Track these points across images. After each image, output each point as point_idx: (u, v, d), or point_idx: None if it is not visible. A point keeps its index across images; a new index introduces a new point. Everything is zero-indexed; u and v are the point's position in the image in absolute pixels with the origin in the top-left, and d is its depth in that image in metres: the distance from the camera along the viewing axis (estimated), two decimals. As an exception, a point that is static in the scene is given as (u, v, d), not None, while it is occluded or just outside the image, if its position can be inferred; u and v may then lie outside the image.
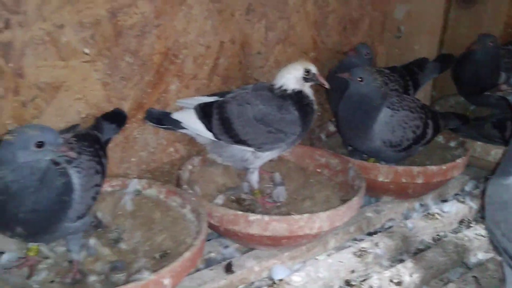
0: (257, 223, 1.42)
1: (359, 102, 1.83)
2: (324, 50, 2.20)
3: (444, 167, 1.85)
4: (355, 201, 1.56)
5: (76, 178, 1.19)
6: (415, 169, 1.82)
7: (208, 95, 1.76)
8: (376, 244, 1.68)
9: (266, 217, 1.42)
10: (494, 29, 2.77)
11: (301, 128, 1.67)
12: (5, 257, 1.31)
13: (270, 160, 1.88)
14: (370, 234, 1.81)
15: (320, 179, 1.91)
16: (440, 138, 2.18)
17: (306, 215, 1.44)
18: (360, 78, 1.80)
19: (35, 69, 1.43)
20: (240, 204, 1.79)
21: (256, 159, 1.71)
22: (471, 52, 2.30)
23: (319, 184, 1.88)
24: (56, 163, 1.15)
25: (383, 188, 1.89)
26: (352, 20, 2.26)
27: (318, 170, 1.94)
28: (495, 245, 1.35)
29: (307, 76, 1.66)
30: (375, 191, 1.95)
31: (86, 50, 1.51)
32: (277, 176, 1.92)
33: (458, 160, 1.90)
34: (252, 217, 1.42)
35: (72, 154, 1.13)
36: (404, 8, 2.35)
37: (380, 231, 1.81)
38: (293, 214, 1.51)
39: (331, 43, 2.21)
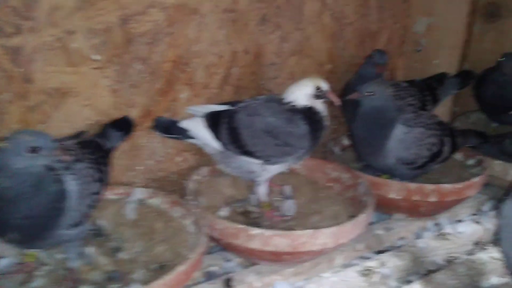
0: (258, 238, 1.39)
1: (372, 117, 1.79)
2: (340, 63, 2.16)
3: (458, 185, 1.79)
4: (362, 218, 1.52)
5: (71, 185, 1.18)
6: (428, 187, 1.77)
7: (219, 104, 1.74)
8: (384, 264, 1.63)
9: (268, 232, 1.39)
10: (520, 44, 2.70)
11: (310, 143, 1.64)
12: (2, 262, 1.31)
13: (281, 173, 1.85)
14: (379, 252, 1.76)
15: (330, 194, 1.87)
16: (458, 156, 2.11)
17: (309, 231, 1.40)
18: (371, 92, 1.76)
19: (44, 75, 1.44)
20: (247, 216, 1.76)
21: (263, 172, 1.68)
22: (495, 70, 2.23)
23: (329, 199, 1.84)
24: (51, 169, 1.15)
25: (394, 205, 1.84)
26: (371, 33, 2.22)
27: (329, 184, 1.90)
28: (511, 268, 1.29)
29: (318, 93, 1.63)
30: (386, 208, 1.90)
31: (96, 57, 1.51)
32: (287, 189, 1.89)
33: (474, 179, 1.83)
34: (253, 231, 1.39)
35: (67, 157, 1.12)
36: (425, 21, 2.30)
37: (389, 250, 1.76)
38: (296, 229, 1.48)
39: (348, 56, 2.18)
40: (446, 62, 2.32)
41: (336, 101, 1.66)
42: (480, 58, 2.54)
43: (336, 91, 2.09)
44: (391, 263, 1.63)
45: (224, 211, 1.66)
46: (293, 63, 2.00)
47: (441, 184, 1.78)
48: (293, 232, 1.41)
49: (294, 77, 1.97)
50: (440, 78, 2.24)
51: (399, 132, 1.78)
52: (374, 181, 1.81)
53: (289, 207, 1.82)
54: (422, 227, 1.90)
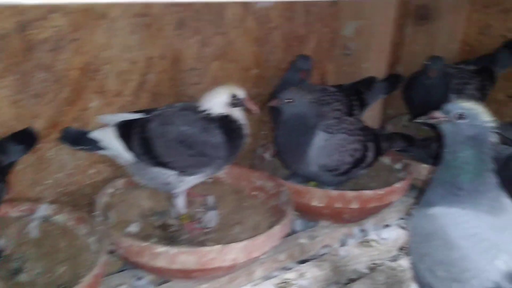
0: (164, 256, 1.32)
1: (292, 124, 1.76)
2: (268, 68, 2.12)
3: (380, 192, 1.77)
4: (276, 230, 1.48)
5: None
6: (350, 193, 1.74)
7: (133, 112, 1.66)
8: (303, 275, 1.59)
9: (173, 250, 1.33)
10: (451, 46, 2.73)
11: (227, 152, 1.58)
12: None
13: (204, 182, 1.79)
14: (302, 262, 1.72)
15: (254, 203, 1.82)
16: (386, 160, 2.11)
17: (217, 247, 1.35)
18: (290, 98, 1.72)
19: None
20: (165, 230, 1.70)
21: (180, 183, 1.61)
22: (422, 73, 2.24)
23: (252, 209, 1.80)
24: None
25: (318, 213, 1.81)
26: (298, 37, 2.18)
27: (254, 193, 1.85)
28: (420, 281, 1.27)
29: (234, 101, 1.57)
30: (311, 216, 1.87)
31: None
32: (210, 200, 1.83)
33: (397, 185, 1.82)
34: (158, 249, 1.32)
35: None
36: (354, 25, 2.28)
37: (312, 259, 1.72)
38: (209, 244, 1.43)
39: (276, 60, 2.13)
40: (375, 66, 2.30)
41: (254, 109, 1.62)
42: (412, 61, 2.55)
43: (265, 96, 2.06)
44: (310, 273, 1.60)
45: (134, 227, 1.59)
46: (216, 68, 1.94)
47: (362, 191, 1.76)
48: (201, 248, 1.36)
49: (218, 82, 1.90)
50: (368, 82, 2.23)
51: (320, 139, 1.76)
52: (297, 189, 1.77)
53: (210, 218, 1.77)
54: (347, 233, 1.88)
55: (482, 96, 2.37)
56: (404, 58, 2.70)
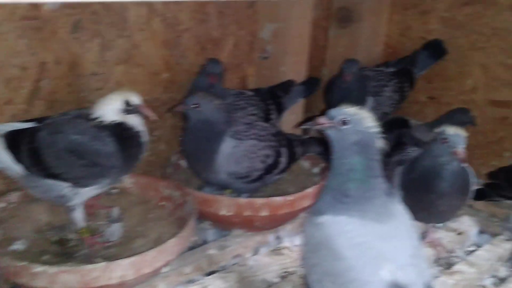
0: (43, 276, 1.23)
1: (199, 131, 1.70)
2: (180, 71, 2.04)
3: (290, 198, 1.73)
4: (170, 244, 1.40)
5: None
6: (258, 201, 1.69)
7: (25, 121, 1.56)
8: (205, 288, 1.52)
9: (52, 269, 1.23)
10: (374, 48, 2.73)
11: (122, 162, 1.50)
12: None
13: (109, 193, 1.71)
14: (209, 274, 1.65)
15: (161, 214, 1.75)
16: (305, 164, 2.08)
17: (101, 264, 1.26)
18: (196, 104, 1.66)
19: None
20: (63, 245, 1.60)
21: (75, 195, 1.52)
22: (339, 76, 2.22)
23: (158, 220, 1.72)
24: None
25: (229, 222, 1.75)
26: (212, 40, 2.12)
27: (162, 203, 1.78)
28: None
29: (128, 108, 1.49)
30: (223, 225, 1.81)
31: None
32: (115, 212, 1.75)
33: (308, 190, 1.78)
34: (36, 269, 1.23)
35: None
36: (271, 27, 2.23)
37: (220, 271, 1.66)
38: (96, 260, 1.34)
39: (188, 63, 2.06)
40: (294, 69, 2.27)
41: (151, 115, 1.54)
42: (336, 63, 2.53)
43: (177, 101, 1.99)
44: (214, 286, 1.53)
45: (20, 244, 1.48)
46: (120, 72, 1.85)
47: (271, 198, 1.71)
48: (83, 266, 1.27)
49: (123, 87, 1.83)
50: (286, 86, 2.19)
51: (227, 145, 1.70)
52: (205, 199, 1.71)
53: (113, 231, 1.68)
54: (262, 241, 1.82)
55: (401, 98, 2.38)
56: (328, 60, 2.69)
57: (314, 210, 1.20)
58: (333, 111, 1.15)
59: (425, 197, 1.59)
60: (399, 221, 1.16)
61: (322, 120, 1.16)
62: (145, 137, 1.56)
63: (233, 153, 1.70)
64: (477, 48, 2.33)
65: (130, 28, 1.83)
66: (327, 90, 2.31)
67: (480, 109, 2.36)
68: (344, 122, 1.12)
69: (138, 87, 1.87)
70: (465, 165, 1.49)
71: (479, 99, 2.37)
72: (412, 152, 1.77)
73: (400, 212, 1.18)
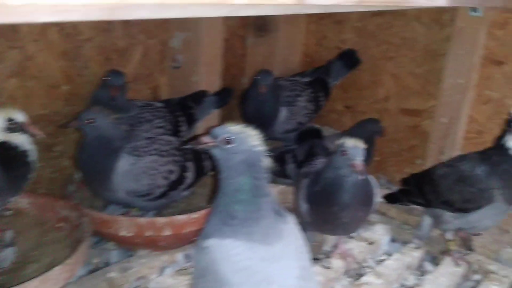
0: None
1: (95, 147, 1.61)
2: (82, 83, 1.94)
3: (194, 215, 1.66)
4: (55, 272, 1.31)
5: None
6: (160, 220, 1.62)
7: None
8: (98, 316, 1.43)
9: None
10: (292, 58, 2.72)
11: (7, 183, 1.39)
12: None
13: (2, 216, 1.58)
14: (108, 299, 1.57)
15: (58, 236, 1.64)
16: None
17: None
18: (91, 119, 1.57)
19: None
20: None
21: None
22: (253, 87, 2.18)
23: (54, 243, 1.61)
24: None
25: (131, 242, 1.67)
26: (118, 50, 2.03)
27: (59, 224, 1.66)
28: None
29: (11, 126, 1.39)
30: (126, 245, 1.73)
31: None
32: (8, 235, 1.62)
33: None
34: None
35: None
36: (181, 36, 2.17)
37: (120, 295, 1.58)
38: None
39: (92, 75, 1.96)
40: (206, 79, 2.21)
41: (38, 133, 1.44)
42: (255, 72, 2.50)
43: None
44: (110, 313, 1.45)
45: None
46: (13, 86, 1.73)
47: (174, 216, 1.64)
48: None
49: (17, 102, 1.72)
50: (198, 97, 2.13)
51: (125, 162, 1.62)
52: (104, 219, 1.62)
53: (5, 257, 1.56)
54: (170, 261, 1.75)
55: (316, 107, 2.38)
56: (247, 69, 2.66)
57: (203, 233, 1.15)
58: (217, 130, 1.10)
59: (328, 209, 1.58)
60: (288, 242, 1.13)
61: (205, 139, 1.11)
62: (33, 156, 1.46)
63: (130, 171, 1.62)
64: (388, 58, 2.37)
65: (22, 39, 1.71)
66: (242, 101, 2.27)
67: (393, 118, 2.41)
68: (228, 141, 1.08)
69: (34, 101, 1.78)
70: (363, 177, 1.48)
71: (391, 108, 2.41)
72: (319, 163, 1.75)
73: (289, 232, 1.15)
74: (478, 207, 1.69)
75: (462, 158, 1.80)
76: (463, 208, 1.72)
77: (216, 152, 1.11)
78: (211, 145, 1.10)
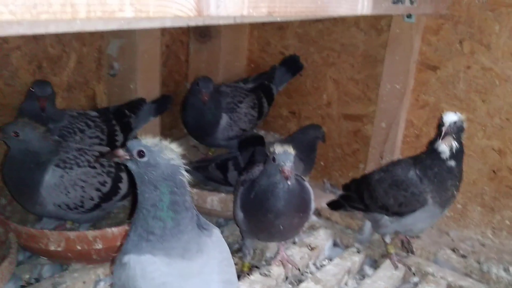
0: None
1: (21, 161, 1.55)
2: (11, 93, 1.87)
3: (127, 227, 1.61)
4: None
5: None
6: (91, 233, 1.57)
7: None
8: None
9: None
10: (236, 64, 2.70)
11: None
12: None
13: None
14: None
15: (-17, 254, 1.56)
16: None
17: None
18: (15, 132, 1.51)
19: None
20: None
21: None
22: (192, 94, 2.16)
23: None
24: None
25: (62, 257, 1.61)
26: (50, 58, 1.97)
27: (-15, 241, 1.59)
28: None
29: None
30: (59, 260, 1.67)
31: None
32: None
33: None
34: None
35: None
36: (117, 43, 2.12)
37: (48, 313, 1.52)
38: None
39: (22, 84, 1.89)
40: (145, 86, 2.17)
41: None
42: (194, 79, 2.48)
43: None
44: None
45: None
46: None
47: (106, 229, 1.59)
48: None
49: None
50: (135, 105, 2.09)
51: (53, 176, 1.57)
52: (32, 234, 1.56)
53: None
54: (104, 274, 1.70)
55: (259, 114, 2.37)
56: (190, 75, 2.63)
57: (122, 248, 1.12)
58: (131, 143, 1.07)
59: (262, 217, 1.56)
60: (211, 256, 1.10)
61: (120, 152, 1.07)
62: None
63: (59, 184, 1.57)
64: (329, 64, 2.39)
65: None
66: (182, 108, 2.24)
67: (336, 123, 2.42)
68: (141, 154, 1.05)
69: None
70: (291, 182, 1.47)
71: (334, 113, 2.43)
72: (258, 171, 1.74)
73: (213, 246, 1.12)
74: (412, 211, 1.71)
75: (396, 163, 1.82)
76: (398, 212, 1.75)
77: (131, 166, 1.07)
78: (125, 158, 1.07)
